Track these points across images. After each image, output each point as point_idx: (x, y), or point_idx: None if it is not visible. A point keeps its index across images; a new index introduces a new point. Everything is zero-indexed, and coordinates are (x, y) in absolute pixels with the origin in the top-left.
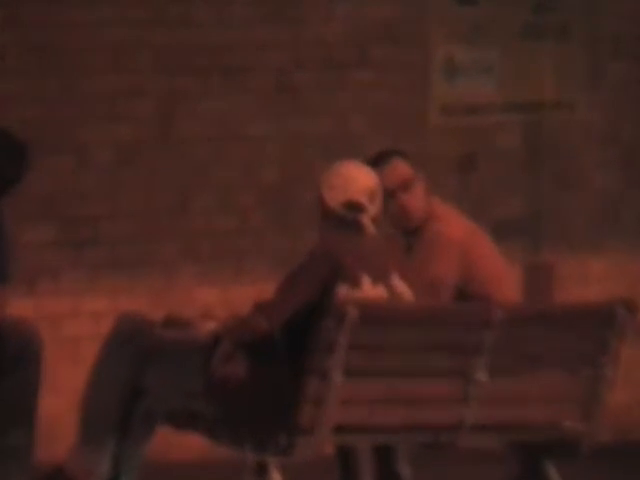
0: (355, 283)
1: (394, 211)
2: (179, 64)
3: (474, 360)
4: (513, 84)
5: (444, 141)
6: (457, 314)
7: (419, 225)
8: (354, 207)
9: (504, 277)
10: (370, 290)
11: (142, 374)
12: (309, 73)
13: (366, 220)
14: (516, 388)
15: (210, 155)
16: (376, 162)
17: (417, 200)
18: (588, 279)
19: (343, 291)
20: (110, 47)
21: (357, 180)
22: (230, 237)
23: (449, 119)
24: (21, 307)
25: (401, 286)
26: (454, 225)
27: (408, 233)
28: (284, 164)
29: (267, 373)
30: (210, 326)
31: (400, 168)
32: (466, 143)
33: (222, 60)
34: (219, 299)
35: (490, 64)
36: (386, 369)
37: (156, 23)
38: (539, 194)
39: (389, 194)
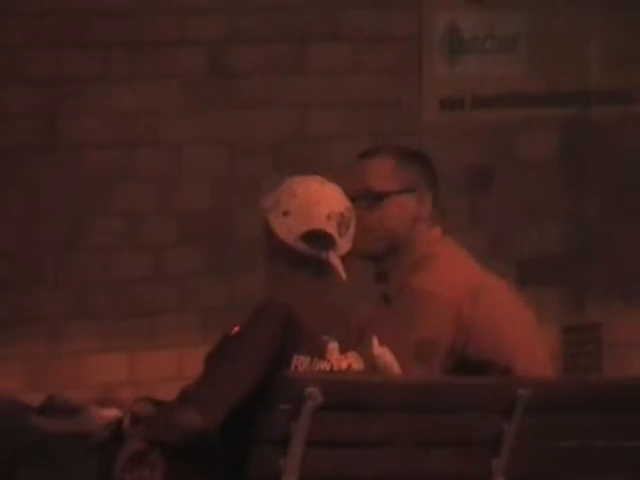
0: (318, 352)
1: None
2: (66, 37)
3: (489, 461)
4: (546, 65)
5: (446, 146)
6: (465, 394)
7: (376, 254)
8: (318, 241)
9: (530, 342)
10: (339, 361)
11: None
12: (253, 50)
13: (335, 259)
14: None
15: (111, 167)
16: (357, 159)
17: (382, 221)
18: None
19: (301, 363)
20: None
21: (322, 202)
22: (141, 284)
23: (453, 115)
24: None
25: (384, 355)
26: (451, 277)
27: (377, 261)
28: (216, 180)
29: None
30: (110, 414)
31: (369, 173)
32: (478, 149)
33: (128, 32)
34: (124, 372)
35: (513, 36)
36: (363, 474)
37: None
38: (583, 221)
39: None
